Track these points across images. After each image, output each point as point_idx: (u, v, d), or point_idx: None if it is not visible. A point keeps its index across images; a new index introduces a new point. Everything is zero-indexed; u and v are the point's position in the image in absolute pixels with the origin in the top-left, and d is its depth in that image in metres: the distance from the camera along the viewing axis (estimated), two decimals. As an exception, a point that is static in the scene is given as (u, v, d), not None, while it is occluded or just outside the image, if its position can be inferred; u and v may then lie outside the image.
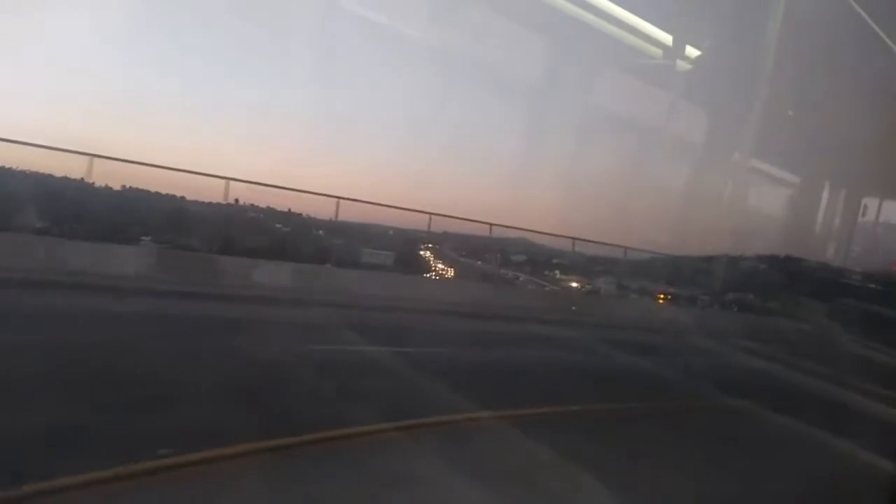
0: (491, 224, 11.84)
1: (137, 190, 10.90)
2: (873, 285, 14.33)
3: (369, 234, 12.51)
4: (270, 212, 12.25)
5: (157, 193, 10.80)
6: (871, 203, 13.86)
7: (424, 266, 12.67)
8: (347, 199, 10.29)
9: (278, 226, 12.46)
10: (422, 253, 12.87)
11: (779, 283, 13.83)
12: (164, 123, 12.71)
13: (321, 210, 11.45)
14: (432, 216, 11.07)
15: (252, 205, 12.10)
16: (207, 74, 13.68)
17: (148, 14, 11.28)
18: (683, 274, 13.77)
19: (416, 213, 10.89)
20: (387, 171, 13.67)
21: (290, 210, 12.37)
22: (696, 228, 13.56)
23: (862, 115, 10.99)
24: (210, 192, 11.07)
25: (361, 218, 12.13)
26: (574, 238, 12.37)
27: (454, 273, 12.56)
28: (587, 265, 13.06)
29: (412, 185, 16.09)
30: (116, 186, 10.61)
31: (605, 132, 14.39)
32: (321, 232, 12.65)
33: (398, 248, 11.97)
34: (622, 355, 8.46)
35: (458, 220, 11.62)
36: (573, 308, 11.95)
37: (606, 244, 12.63)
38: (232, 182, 9.68)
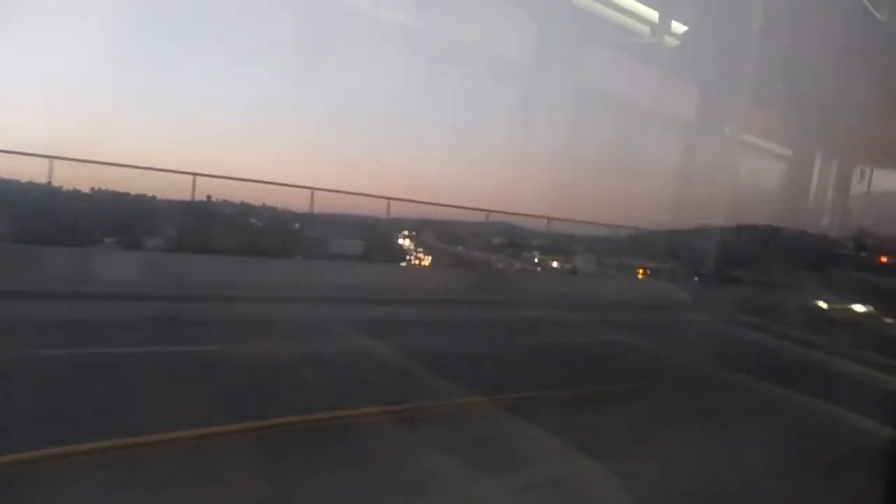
0: (467, 208, 11.75)
1: (107, 192, 10.85)
2: (866, 254, 14.10)
3: (344, 225, 12.43)
4: (245, 207, 12.18)
5: (127, 194, 10.73)
6: (862, 172, 13.59)
7: (398, 254, 12.57)
8: (321, 189, 10.35)
9: (252, 221, 12.36)
10: (399, 241, 12.78)
11: (767, 255, 13.59)
12: (134, 122, 12.61)
13: (297, 203, 11.42)
14: (406, 203, 11.04)
15: (225, 200, 12.07)
16: (178, 70, 13.52)
17: (114, 11, 11.12)
18: (667, 248, 13.58)
19: (395, 201, 10.87)
20: (363, 160, 13.51)
21: (264, 204, 12.29)
22: (680, 202, 13.32)
23: (851, 84, 10.72)
24: (183, 190, 11.04)
25: (338, 209, 12.06)
26: (552, 218, 12.23)
27: (431, 261, 12.46)
28: (566, 244, 12.92)
29: (389, 172, 15.93)
30: (85, 189, 10.58)
31: (583, 110, 14.10)
32: (297, 225, 12.56)
33: (373, 237, 11.88)
34: (603, 333, 8.35)
35: (435, 207, 11.53)
36: (556, 291, 11.83)
37: (587, 223, 12.49)
38: (208, 179, 9.73)
